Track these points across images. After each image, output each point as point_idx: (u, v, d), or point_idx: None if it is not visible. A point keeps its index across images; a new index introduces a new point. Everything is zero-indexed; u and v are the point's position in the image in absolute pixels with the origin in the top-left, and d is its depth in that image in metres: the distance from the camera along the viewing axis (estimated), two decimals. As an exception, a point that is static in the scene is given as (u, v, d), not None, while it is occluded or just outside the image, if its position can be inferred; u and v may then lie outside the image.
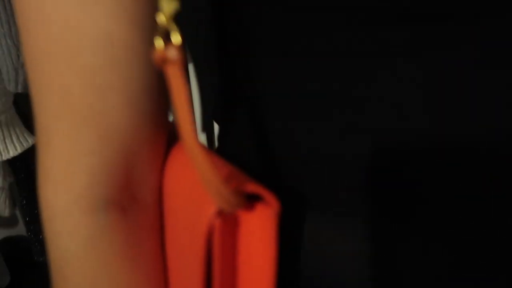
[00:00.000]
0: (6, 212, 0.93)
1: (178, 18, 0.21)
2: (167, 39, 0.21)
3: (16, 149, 0.77)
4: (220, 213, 0.23)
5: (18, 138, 0.78)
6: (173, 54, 0.20)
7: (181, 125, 0.21)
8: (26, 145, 0.79)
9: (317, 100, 0.25)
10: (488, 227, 0.26)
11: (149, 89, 0.26)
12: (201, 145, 0.21)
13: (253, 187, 0.24)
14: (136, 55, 0.24)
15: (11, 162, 0.90)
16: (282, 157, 0.28)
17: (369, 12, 0.21)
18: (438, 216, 0.26)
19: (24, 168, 0.92)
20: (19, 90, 0.72)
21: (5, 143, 0.76)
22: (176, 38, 0.20)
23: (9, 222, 1.15)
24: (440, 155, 0.25)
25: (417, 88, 0.23)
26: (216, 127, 0.34)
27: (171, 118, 0.29)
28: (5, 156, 0.76)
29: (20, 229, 1.17)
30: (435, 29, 0.21)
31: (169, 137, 0.30)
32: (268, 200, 0.24)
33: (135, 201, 0.28)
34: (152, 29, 0.24)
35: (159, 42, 0.21)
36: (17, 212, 1.12)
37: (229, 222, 0.24)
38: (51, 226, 0.27)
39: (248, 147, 0.29)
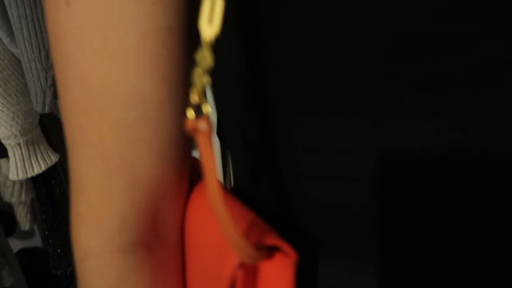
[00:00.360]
0: (26, 226, 0.96)
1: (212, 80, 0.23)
2: (198, 110, 0.23)
3: (40, 167, 0.80)
4: (242, 265, 0.24)
5: (42, 156, 0.80)
6: (203, 126, 0.22)
7: (208, 185, 0.23)
8: (49, 163, 0.82)
9: (326, 156, 0.27)
10: (501, 277, 0.27)
11: (176, 140, 0.27)
12: (226, 205, 0.23)
13: (272, 241, 0.25)
14: (165, 111, 0.26)
15: (33, 178, 0.92)
16: (296, 204, 0.29)
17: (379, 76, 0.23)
18: (451, 264, 0.27)
19: (45, 184, 0.94)
20: (46, 111, 0.74)
21: (30, 161, 0.78)
22: (206, 110, 0.22)
23: (26, 234, 1.18)
24: (451, 206, 0.26)
25: (427, 142, 0.24)
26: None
27: (195, 154, 0.31)
28: (29, 174, 0.79)
29: (36, 241, 1.20)
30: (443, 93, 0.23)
31: (193, 172, 0.31)
32: (286, 251, 0.25)
33: (159, 239, 0.30)
34: (181, 85, 0.26)
35: (190, 113, 0.23)
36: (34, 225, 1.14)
37: (250, 272, 0.25)
38: (82, 266, 0.28)
39: (264, 191, 0.31)
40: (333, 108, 0.25)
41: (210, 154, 0.22)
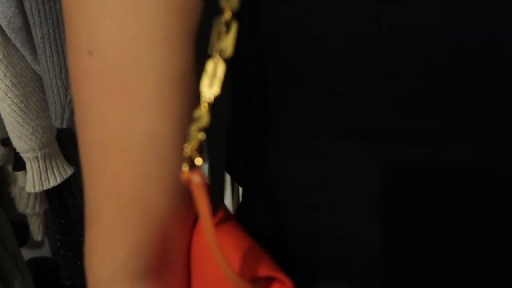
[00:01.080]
0: (39, 237, 0.98)
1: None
2: (192, 164, 0.25)
3: (56, 180, 0.82)
4: None
5: (58, 169, 0.83)
6: (196, 179, 0.24)
7: (203, 229, 0.25)
8: (65, 176, 0.84)
9: (327, 191, 0.29)
10: None
11: None
12: (221, 249, 0.25)
13: (268, 272, 0.27)
14: (177, 149, 0.28)
15: (47, 190, 0.94)
16: (295, 231, 0.31)
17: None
18: None
19: (59, 196, 0.97)
20: (64, 126, 0.77)
21: (47, 174, 0.81)
22: (199, 164, 0.25)
23: (36, 244, 1.19)
24: (448, 237, 0.28)
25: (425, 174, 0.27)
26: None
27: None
28: (46, 186, 0.81)
29: (45, 251, 1.22)
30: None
31: None
32: (282, 280, 0.27)
33: (168, 264, 0.31)
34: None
35: (185, 167, 0.25)
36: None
37: None
38: None
39: (266, 219, 0.33)
40: (331, 133, 0.27)
41: (204, 202, 0.24)
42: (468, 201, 0.27)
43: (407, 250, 0.29)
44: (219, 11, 0.23)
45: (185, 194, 0.29)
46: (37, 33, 0.68)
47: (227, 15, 0.23)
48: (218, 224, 0.30)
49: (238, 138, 0.31)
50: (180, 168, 0.28)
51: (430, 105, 0.25)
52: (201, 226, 0.27)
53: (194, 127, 0.25)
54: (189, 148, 0.25)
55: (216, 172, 0.28)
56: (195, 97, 0.26)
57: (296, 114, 0.27)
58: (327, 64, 0.24)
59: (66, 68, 0.72)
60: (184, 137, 0.27)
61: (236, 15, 0.23)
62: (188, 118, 0.27)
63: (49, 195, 0.95)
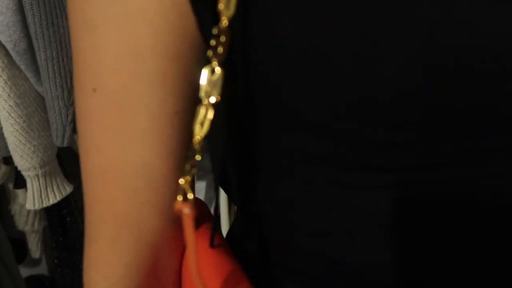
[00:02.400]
0: (37, 254, 0.99)
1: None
2: (185, 196, 0.28)
3: (56, 197, 0.84)
4: None
5: (58, 187, 0.85)
6: (187, 211, 0.27)
7: (188, 254, 0.27)
8: (64, 194, 0.86)
9: (320, 221, 0.30)
10: None
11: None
12: (202, 278, 0.27)
13: None
14: (168, 179, 0.31)
15: (46, 207, 0.96)
16: (287, 250, 0.33)
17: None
18: None
19: (58, 213, 0.98)
20: (65, 144, 0.79)
21: (46, 191, 0.83)
22: (190, 197, 0.27)
23: (33, 261, 1.20)
24: (440, 268, 0.29)
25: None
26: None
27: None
28: (45, 204, 0.83)
29: (41, 269, 1.22)
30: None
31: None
32: None
33: (158, 282, 0.33)
34: (183, 159, 0.31)
35: (178, 197, 0.28)
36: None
37: None
38: None
39: (255, 243, 0.35)
40: (327, 165, 0.28)
41: (191, 232, 0.27)
42: (474, 229, 0.28)
43: (412, 277, 0.30)
44: (207, 61, 0.26)
45: (175, 218, 0.31)
46: (41, 56, 0.71)
47: (214, 64, 0.26)
48: (208, 247, 0.32)
49: (231, 163, 0.33)
50: (171, 195, 0.31)
51: (434, 135, 0.26)
52: (198, 256, 0.30)
53: (188, 164, 0.28)
54: (183, 181, 0.28)
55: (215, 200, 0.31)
56: (188, 131, 0.29)
57: (288, 143, 0.29)
58: (319, 107, 0.26)
59: (68, 89, 0.75)
60: (175, 167, 0.31)
61: (223, 64, 0.26)
62: (180, 150, 0.30)
63: (49, 212, 0.97)
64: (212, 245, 0.32)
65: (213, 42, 0.25)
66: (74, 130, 0.80)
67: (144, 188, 0.31)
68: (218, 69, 0.26)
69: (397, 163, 0.27)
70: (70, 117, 0.77)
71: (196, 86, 0.28)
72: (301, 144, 0.28)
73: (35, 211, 0.94)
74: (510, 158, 0.26)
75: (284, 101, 0.27)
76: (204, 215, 0.35)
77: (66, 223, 0.99)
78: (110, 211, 0.31)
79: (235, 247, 0.34)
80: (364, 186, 0.28)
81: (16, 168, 0.81)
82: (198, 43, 0.28)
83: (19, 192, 0.93)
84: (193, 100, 0.30)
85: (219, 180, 0.32)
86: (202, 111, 0.26)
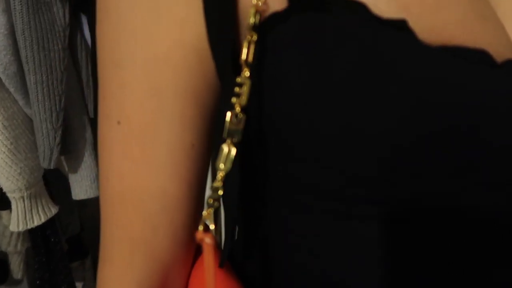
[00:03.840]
0: (19, 275, 0.98)
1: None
2: (206, 227, 0.30)
3: (40, 219, 0.84)
4: None
5: (43, 208, 0.84)
6: (208, 240, 0.30)
7: (206, 278, 0.30)
8: (49, 215, 0.85)
9: (318, 246, 0.32)
10: None
11: (188, 225, 0.34)
12: None
13: None
14: (182, 205, 0.33)
15: (30, 228, 0.95)
16: (287, 274, 0.35)
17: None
18: None
19: (41, 234, 0.97)
20: (52, 167, 0.79)
21: (31, 213, 0.82)
22: (212, 228, 0.30)
23: (15, 282, 1.18)
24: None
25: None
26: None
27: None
28: (30, 225, 0.83)
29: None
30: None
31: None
32: None
33: None
34: (197, 186, 0.33)
35: (200, 227, 0.31)
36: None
37: None
38: None
39: (258, 269, 0.37)
40: (325, 200, 0.31)
41: (211, 260, 0.30)
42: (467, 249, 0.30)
43: None
44: (232, 107, 0.28)
45: (185, 240, 0.34)
46: (31, 79, 0.71)
47: (237, 109, 0.28)
48: (217, 267, 0.34)
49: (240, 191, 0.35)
50: (183, 218, 0.33)
51: (419, 176, 0.28)
52: (203, 275, 0.32)
53: (210, 197, 0.30)
54: (206, 213, 0.31)
55: (227, 230, 0.33)
56: (202, 161, 0.32)
57: (291, 178, 0.31)
58: (319, 146, 0.29)
59: (57, 112, 0.75)
60: (189, 193, 0.33)
61: (245, 110, 0.29)
62: (194, 178, 0.33)
63: (32, 233, 0.96)
64: (221, 265, 0.34)
65: (237, 89, 0.28)
66: (61, 152, 0.80)
67: (160, 213, 0.33)
68: (241, 115, 0.28)
69: (387, 197, 0.29)
70: (57, 140, 0.77)
71: (211, 121, 0.31)
72: (300, 179, 0.31)
73: (19, 232, 0.93)
74: (493, 190, 0.29)
75: (290, 144, 0.29)
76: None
77: (49, 244, 0.98)
78: (126, 233, 0.33)
79: (237, 267, 0.36)
80: (357, 216, 0.30)
81: (1, 189, 0.80)
82: (215, 83, 0.31)
83: (3, 213, 0.92)
84: (208, 133, 0.32)
85: (236, 212, 0.34)
86: (225, 149, 0.29)
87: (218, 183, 0.30)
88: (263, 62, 0.28)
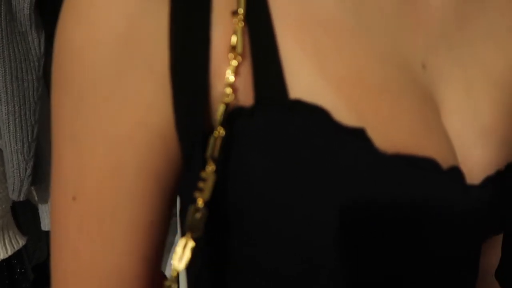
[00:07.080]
0: (-18, 308, 0.93)
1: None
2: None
3: (7, 252, 0.80)
4: None
5: (10, 240, 0.81)
6: None
7: None
8: (17, 247, 0.82)
9: None
10: None
11: None
12: None
13: None
14: (140, 279, 0.32)
15: (7, 260, 0.91)
16: None
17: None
18: None
19: (6, 265, 0.93)
20: (22, 198, 0.76)
21: (-2, 246, 0.79)
22: None
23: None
24: None
25: None
26: None
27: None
28: (-5, 259, 0.79)
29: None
30: None
31: None
32: None
33: None
34: (155, 261, 0.32)
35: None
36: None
37: None
38: None
39: None
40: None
41: None
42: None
43: None
44: (193, 200, 0.28)
45: None
46: (2, 109, 0.69)
47: (199, 204, 0.28)
48: None
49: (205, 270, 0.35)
50: None
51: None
52: None
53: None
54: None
55: None
56: (160, 236, 0.32)
57: (254, 263, 0.32)
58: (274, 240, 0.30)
59: (28, 143, 0.73)
60: (147, 268, 0.32)
61: (207, 203, 0.28)
62: (153, 254, 0.32)
63: (10, 265, 0.92)
64: None
65: (201, 185, 0.28)
66: (31, 183, 0.77)
67: None
68: (203, 209, 0.28)
69: (347, 282, 0.31)
70: (28, 171, 0.75)
71: (172, 198, 0.31)
72: (261, 264, 0.32)
73: (-17, 264, 0.89)
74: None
75: (250, 230, 0.30)
76: None
77: (15, 274, 0.94)
78: None
79: None
80: None
81: (-34, 220, 0.77)
82: (177, 163, 0.30)
83: (-33, 244, 0.88)
84: (168, 209, 0.32)
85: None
86: (182, 242, 0.28)
87: (172, 279, 0.29)
88: (229, 156, 0.28)
